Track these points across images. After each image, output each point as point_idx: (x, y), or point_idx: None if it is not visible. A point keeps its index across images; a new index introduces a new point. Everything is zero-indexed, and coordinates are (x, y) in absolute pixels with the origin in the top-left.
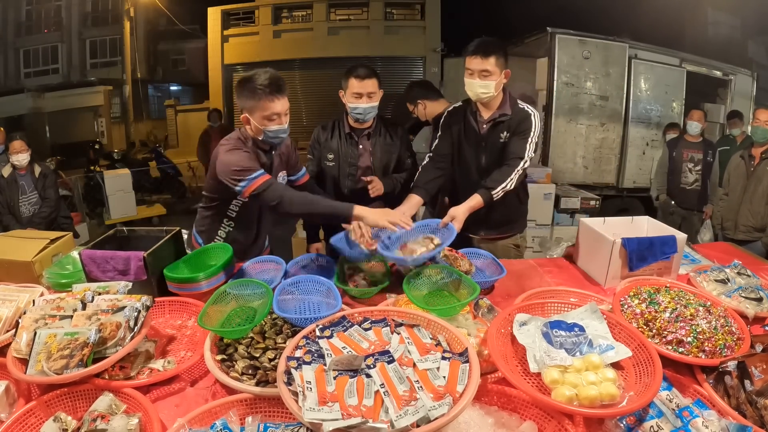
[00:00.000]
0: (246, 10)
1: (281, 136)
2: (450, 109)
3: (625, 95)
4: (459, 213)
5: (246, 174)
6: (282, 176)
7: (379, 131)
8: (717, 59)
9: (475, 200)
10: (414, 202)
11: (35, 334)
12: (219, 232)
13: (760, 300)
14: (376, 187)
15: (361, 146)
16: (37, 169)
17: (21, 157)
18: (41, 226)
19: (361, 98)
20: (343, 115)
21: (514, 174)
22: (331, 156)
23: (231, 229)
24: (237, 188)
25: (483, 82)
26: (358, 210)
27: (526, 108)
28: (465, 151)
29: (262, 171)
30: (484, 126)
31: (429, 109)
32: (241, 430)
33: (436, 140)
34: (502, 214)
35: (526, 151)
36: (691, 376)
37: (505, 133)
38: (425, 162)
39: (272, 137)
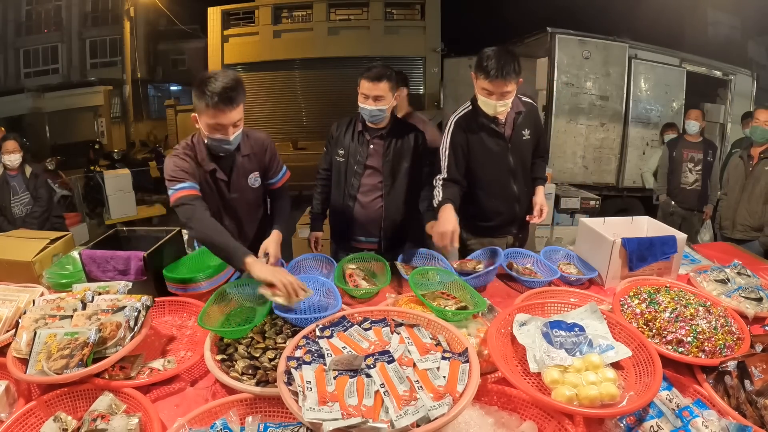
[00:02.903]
0: (246, 10)
1: (225, 147)
2: (454, 123)
3: (625, 95)
4: (545, 203)
5: (172, 184)
6: (254, 177)
7: (395, 133)
8: (717, 59)
9: (542, 191)
10: (452, 212)
11: (35, 334)
12: None
13: (760, 300)
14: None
15: (372, 146)
16: (28, 170)
17: (13, 158)
18: (34, 226)
19: (367, 100)
20: (359, 113)
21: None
22: (341, 152)
23: None
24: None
25: (503, 101)
26: (250, 262)
27: (527, 100)
28: (491, 157)
29: (185, 184)
30: (508, 128)
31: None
32: (241, 430)
33: (446, 161)
34: (527, 211)
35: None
36: (691, 376)
37: (526, 131)
38: (444, 188)
39: (215, 147)
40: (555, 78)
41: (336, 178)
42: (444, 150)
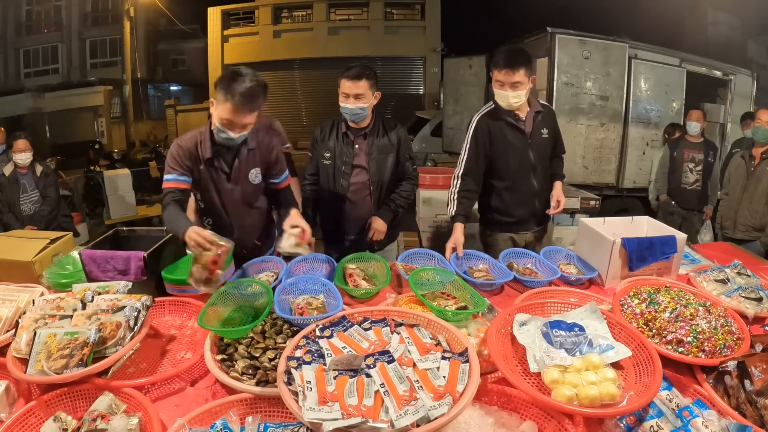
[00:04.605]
0: (246, 10)
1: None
2: (477, 119)
3: (625, 95)
4: (563, 196)
5: (165, 172)
6: (255, 173)
7: (377, 131)
8: (717, 59)
9: (560, 185)
10: (462, 230)
11: (35, 333)
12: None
13: (760, 300)
14: (378, 231)
15: (357, 146)
16: (39, 168)
17: (24, 156)
18: (41, 225)
19: (348, 99)
20: (341, 114)
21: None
22: (327, 154)
23: (210, 227)
24: None
25: (515, 92)
26: (187, 234)
27: (544, 103)
28: (513, 153)
29: (171, 176)
30: (528, 126)
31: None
32: (241, 430)
33: (466, 155)
34: (546, 207)
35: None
36: (691, 376)
37: (545, 130)
38: (462, 186)
39: (219, 136)
40: (555, 78)
41: (324, 180)
42: (465, 145)
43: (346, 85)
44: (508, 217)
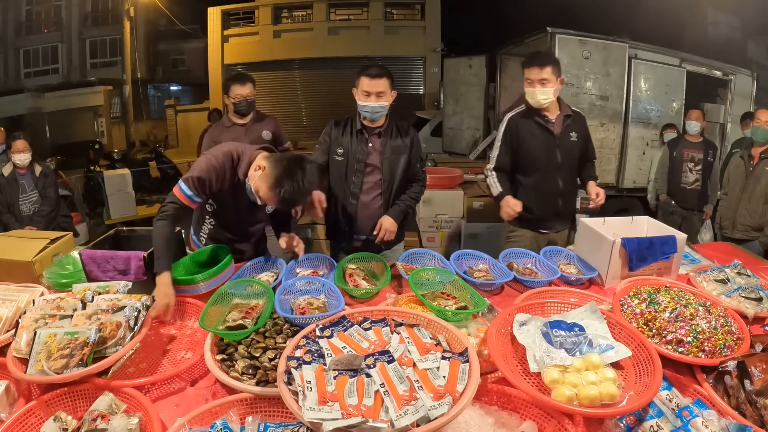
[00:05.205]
0: (246, 10)
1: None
2: (508, 118)
3: (625, 95)
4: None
5: (185, 181)
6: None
7: (391, 131)
8: (717, 59)
9: (594, 184)
10: (513, 199)
11: (35, 333)
12: (203, 228)
13: (759, 300)
14: (389, 231)
15: (370, 144)
16: (38, 169)
17: (23, 157)
18: (41, 225)
19: (369, 97)
20: (357, 113)
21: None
22: (340, 151)
23: (212, 227)
24: None
25: (543, 89)
26: (159, 277)
27: (576, 109)
28: (540, 152)
29: (191, 194)
30: (557, 127)
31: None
32: (241, 430)
33: (497, 151)
34: (570, 208)
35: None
36: (691, 376)
37: (574, 133)
38: (496, 174)
39: (249, 193)
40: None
41: (336, 177)
42: (496, 142)
43: (368, 83)
44: (532, 214)
